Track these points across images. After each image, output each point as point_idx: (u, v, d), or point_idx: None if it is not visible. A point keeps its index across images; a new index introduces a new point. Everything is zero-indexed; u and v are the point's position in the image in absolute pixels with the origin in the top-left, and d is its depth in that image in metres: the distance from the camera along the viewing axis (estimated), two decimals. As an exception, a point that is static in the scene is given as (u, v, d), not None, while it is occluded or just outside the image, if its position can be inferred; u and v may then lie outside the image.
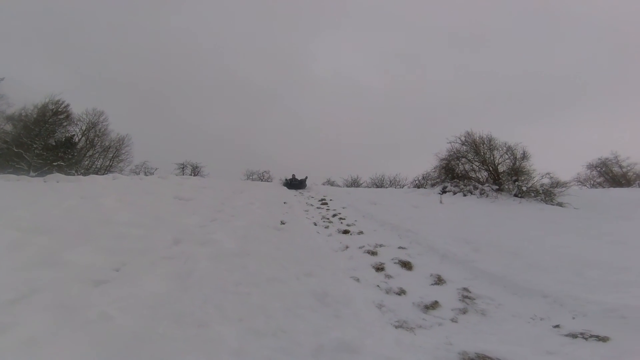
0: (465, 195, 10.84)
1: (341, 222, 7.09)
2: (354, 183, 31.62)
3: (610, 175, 29.99)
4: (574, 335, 2.43)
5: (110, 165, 22.55)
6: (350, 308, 2.79)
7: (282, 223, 5.92)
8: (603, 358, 2.08)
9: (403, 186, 27.61)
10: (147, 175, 14.72)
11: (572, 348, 2.24)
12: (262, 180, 27.19)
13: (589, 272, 3.64)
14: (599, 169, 30.75)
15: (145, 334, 1.95)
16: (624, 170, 29.64)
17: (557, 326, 2.62)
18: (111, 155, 23.11)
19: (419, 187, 14.34)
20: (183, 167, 28.20)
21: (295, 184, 15.89)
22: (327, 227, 6.68)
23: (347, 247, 5.10)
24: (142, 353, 1.76)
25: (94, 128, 21.70)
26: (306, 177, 16.48)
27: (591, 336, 2.37)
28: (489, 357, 2.07)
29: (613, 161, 29.88)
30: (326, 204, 10.06)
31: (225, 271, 3.23)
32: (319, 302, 2.82)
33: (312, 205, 9.86)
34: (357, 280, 3.67)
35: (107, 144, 22.84)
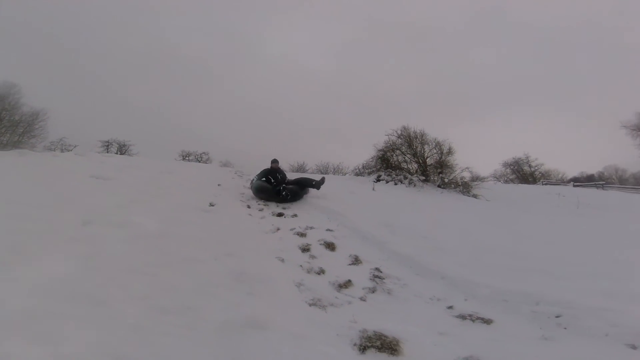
0: (396, 184, 11.60)
1: (277, 205, 7.12)
2: (300, 169, 31.87)
3: (521, 173, 34.45)
4: (463, 317, 2.61)
5: (20, 141, 20.05)
6: (270, 287, 2.84)
7: (212, 205, 5.76)
8: (485, 340, 2.27)
9: (345, 174, 28.57)
10: (63, 152, 13.13)
11: (461, 329, 2.45)
12: (199, 162, 25.97)
13: (486, 257, 3.99)
14: (512, 167, 35.17)
15: (34, 313, 1.80)
16: (532, 169, 34.32)
17: (450, 307, 2.84)
18: (21, 130, 20.62)
19: (358, 175, 14.92)
20: (108, 145, 25.70)
21: (291, 189, 7.45)
22: (261, 209, 6.66)
23: (278, 229, 5.15)
24: (27, 330, 1.64)
25: (3, 101, 19.15)
26: (322, 179, 7.91)
27: (478, 318, 2.57)
28: (384, 335, 2.22)
29: (524, 161, 34.45)
30: (264, 188, 9.95)
31: (138, 253, 3.07)
32: (235, 280, 2.81)
33: (249, 188, 9.68)
34: (282, 260, 3.75)
35: (17, 118, 20.32)
